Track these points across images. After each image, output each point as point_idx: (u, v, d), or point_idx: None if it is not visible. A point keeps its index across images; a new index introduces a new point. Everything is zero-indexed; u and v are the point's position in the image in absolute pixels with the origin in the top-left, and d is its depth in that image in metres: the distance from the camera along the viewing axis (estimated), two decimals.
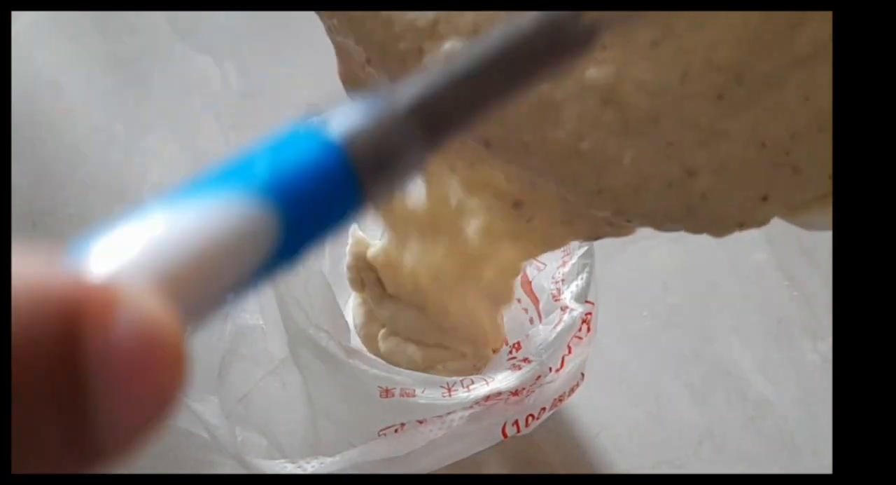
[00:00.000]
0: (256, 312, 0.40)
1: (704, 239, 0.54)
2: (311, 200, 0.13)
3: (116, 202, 0.53)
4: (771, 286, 0.53)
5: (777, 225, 0.55)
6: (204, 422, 0.38)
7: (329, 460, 0.36)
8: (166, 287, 0.11)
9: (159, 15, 0.60)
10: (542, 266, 0.42)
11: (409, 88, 0.14)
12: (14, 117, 0.54)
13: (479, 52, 0.15)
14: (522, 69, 0.15)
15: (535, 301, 0.41)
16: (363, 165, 0.13)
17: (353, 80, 0.29)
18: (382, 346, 0.40)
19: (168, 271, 0.12)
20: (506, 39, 0.15)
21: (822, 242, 0.54)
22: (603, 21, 0.15)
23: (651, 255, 0.54)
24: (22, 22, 0.59)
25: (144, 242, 0.12)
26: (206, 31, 0.60)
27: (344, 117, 0.14)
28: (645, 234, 0.56)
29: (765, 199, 0.25)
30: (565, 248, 0.40)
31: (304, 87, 0.58)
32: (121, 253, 0.12)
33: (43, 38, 0.59)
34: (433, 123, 0.14)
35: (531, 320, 0.41)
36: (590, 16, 0.15)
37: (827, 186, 0.24)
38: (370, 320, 0.41)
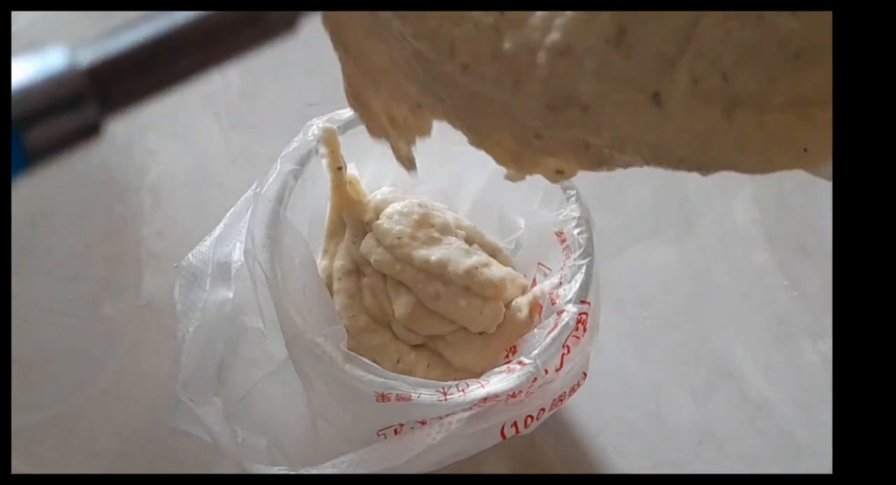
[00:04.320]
0: (256, 314, 0.40)
1: (704, 239, 0.54)
2: None
3: (116, 202, 0.53)
4: (771, 286, 0.53)
5: (777, 225, 0.55)
6: (205, 425, 0.38)
7: (329, 471, 0.36)
8: None
9: None
10: (547, 271, 0.42)
11: (91, 47, 0.14)
12: None
13: (171, 21, 0.14)
14: (212, 42, 0.15)
15: (539, 307, 0.41)
16: (25, 122, 0.13)
17: (356, 100, 0.28)
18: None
19: None
20: (199, 17, 0.14)
21: (822, 242, 0.54)
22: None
23: (651, 255, 0.54)
24: (22, 22, 0.59)
25: None
26: None
27: (13, 70, 0.13)
28: (645, 234, 0.57)
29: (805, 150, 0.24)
30: (565, 250, 0.40)
31: (303, 87, 0.58)
32: None
33: (43, 38, 0.59)
34: (106, 86, 0.14)
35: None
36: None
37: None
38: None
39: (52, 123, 0.13)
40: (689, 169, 0.23)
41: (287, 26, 0.15)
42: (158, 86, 0.14)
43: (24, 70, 0.13)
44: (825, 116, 0.21)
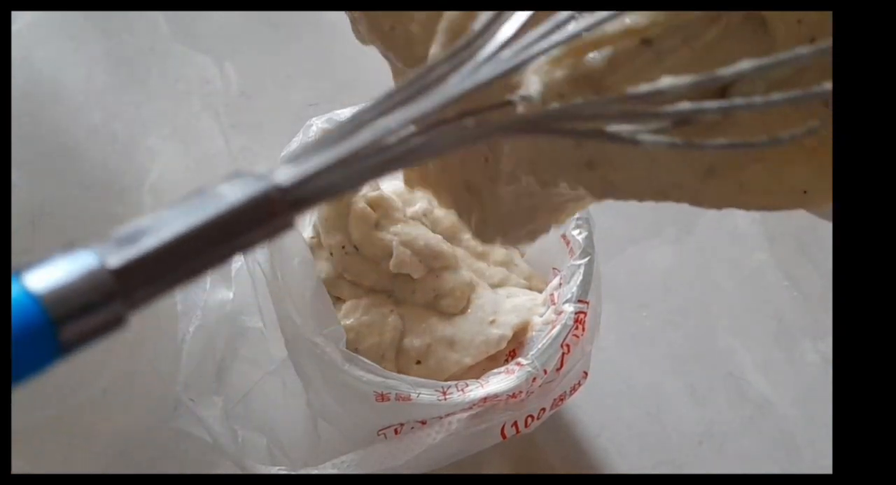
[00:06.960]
0: (256, 314, 0.40)
1: (704, 239, 0.54)
2: (11, 355, 0.14)
3: (116, 202, 0.53)
4: (771, 286, 0.53)
5: (777, 225, 0.55)
6: (205, 425, 0.38)
7: (329, 471, 0.36)
8: None
9: (159, 15, 0.60)
10: (556, 272, 0.42)
11: (116, 249, 0.15)
12: (14, 117, 0.54)
13: (188, 223, 0.16)
14: (225, 241, 0.16)
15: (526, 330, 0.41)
16: (61, 318, 0.15)
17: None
18: None
19: None
20: (212, 214, 0.16)
21: (822, 242, 0.54)
22: (307, 194, 0.16)
23: (651, 255, 0.54)
24: (22, 22, 0.59)
25: None
26: (205, 31, 0.60)
27: (47, 272, 0.15)
28: (645, 234, 0.57)
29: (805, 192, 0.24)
30: (570, 252, 0.40)
31: (303, 87, 0.58)
32: None
33: (43, 38, 0.59)
34: (134, 286, 0.16)
35: None
36: (295, 191, 0.16)
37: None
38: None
39: (84, 320, 0.15)
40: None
41: (287, 226, 0.17)
42: (179, 282, 0.16)
43: (59, 271, 0.15)
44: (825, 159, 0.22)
